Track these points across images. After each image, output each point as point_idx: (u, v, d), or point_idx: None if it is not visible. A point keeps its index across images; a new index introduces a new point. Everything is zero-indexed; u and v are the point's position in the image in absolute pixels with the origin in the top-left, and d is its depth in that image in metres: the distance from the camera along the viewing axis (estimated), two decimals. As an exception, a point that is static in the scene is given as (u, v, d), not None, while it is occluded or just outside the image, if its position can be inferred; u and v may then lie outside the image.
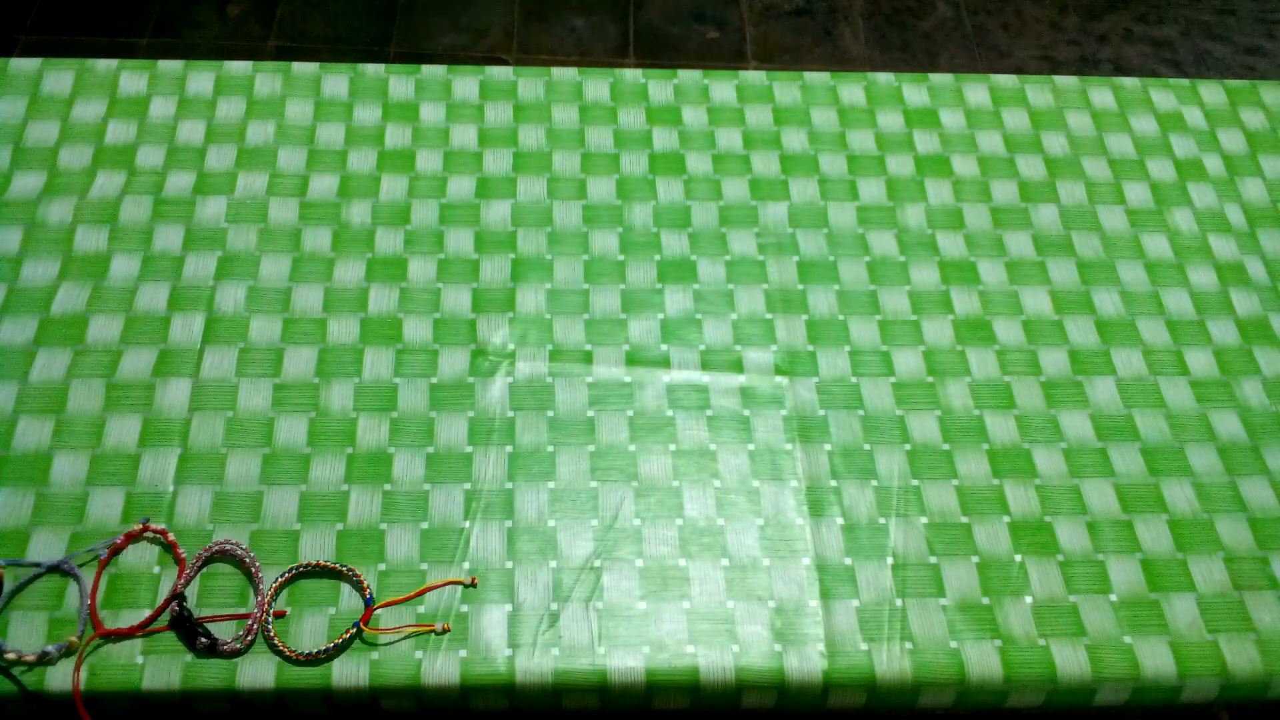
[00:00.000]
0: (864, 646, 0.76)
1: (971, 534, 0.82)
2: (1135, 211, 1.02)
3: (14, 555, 0.77)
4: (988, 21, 1.87)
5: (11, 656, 0.72)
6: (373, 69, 1.06)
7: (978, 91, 1.09)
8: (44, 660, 0.72)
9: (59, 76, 1.03)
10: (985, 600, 0.79)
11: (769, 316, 0.92)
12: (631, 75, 1.08)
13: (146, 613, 0.75)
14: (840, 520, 0.82)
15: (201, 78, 1.04)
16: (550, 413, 0.86)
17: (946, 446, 0.86)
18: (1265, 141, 1.08)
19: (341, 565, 0.77)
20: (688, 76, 1.08)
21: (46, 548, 0.77)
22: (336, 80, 1.04)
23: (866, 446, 0.86)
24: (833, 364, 0.90)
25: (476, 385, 0.87)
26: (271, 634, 0.74)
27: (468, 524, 0.80)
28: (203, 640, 0.73)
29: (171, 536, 0.78)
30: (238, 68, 1.05)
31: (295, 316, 0.89)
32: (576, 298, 0.92)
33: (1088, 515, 0.83)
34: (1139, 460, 0.87)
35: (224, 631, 0.74)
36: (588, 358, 0.89)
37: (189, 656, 0.73)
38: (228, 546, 0.77)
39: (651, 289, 0.93)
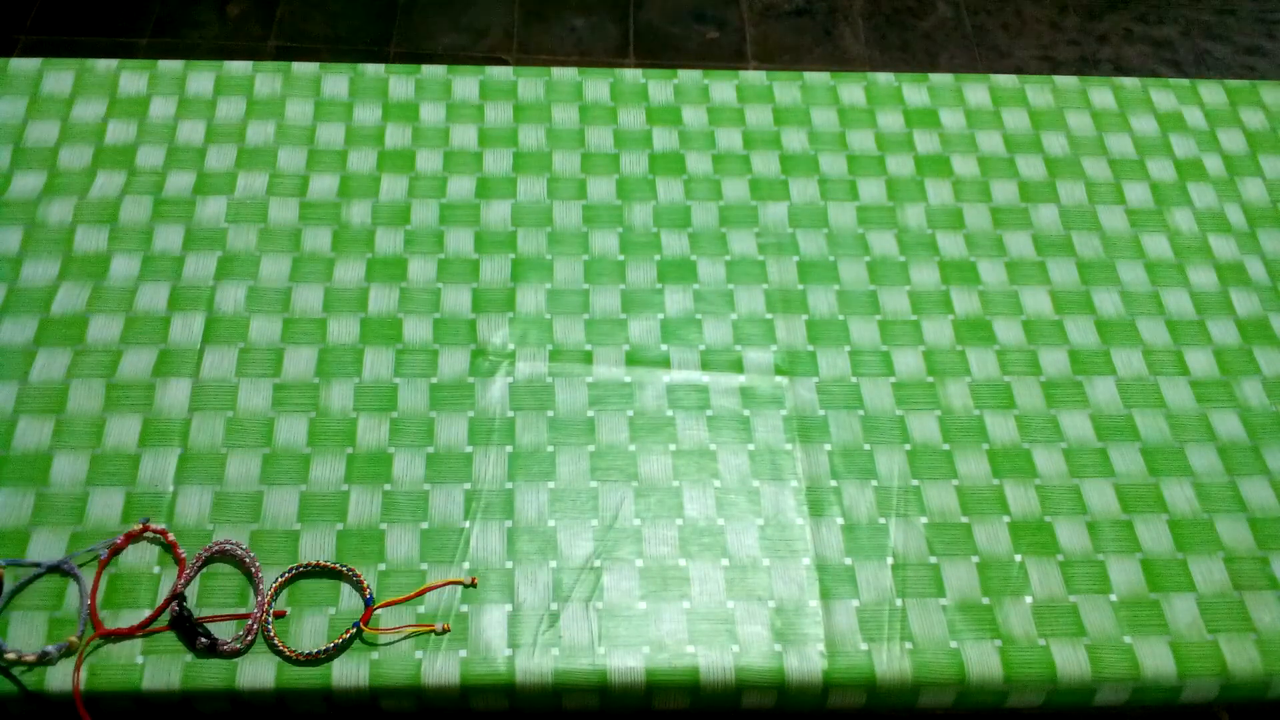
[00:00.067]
0: (864, 646, 0.76)
1: (971, 534, 0.82)
2: (1135, 211, 1.02)
3: (14, 555, 0.77)
4: (988, 21, 1.87)
5: (11, 656, 0.72)
6: (373, 69, 1.06)
7: (978, 91, 1.09)
8: (44, 660, 0.72)
9: (59, 76, 1.03)
10: (985, 600, 0.79)
11: (769, 316, 0.92)
12: (631, 75, 1.08)
13: (146, 613, 0.75)
14: (840, 520, 0.82)
15: (201, 78, 1.04)
16: (550, 413, 0.86)
17: (946, 446, 0.86)
18: (1265, 141, 1.08)
19: (341, 565, 0.77)
20: (688, 76, 1.08)
21: (46, 548, 0.77)
22: (336, 80, 1.04)
23: (866, 446, 0.86)
24: (833, 364, 0.90)
25: (476, 385, 0.87)
26: (271, 634, 0.74)
27: (468, 524, 0.80)
28: (203, 640, 0.73)
29: (171, 536, 0.78)
30: (238, 68, 1.05)
31: (295, 316, 0.89)
32: (576, 298, 0.92)
33: (1088, 515, 0.83)
34: (1139, 460, 0.87)
35: (224, 631, 0.74)
36: (588, 358, 0.89)
37: (189, 656, 0.73)
38: (228, 546, 0.77)
39: (651, 289, 0.93)
